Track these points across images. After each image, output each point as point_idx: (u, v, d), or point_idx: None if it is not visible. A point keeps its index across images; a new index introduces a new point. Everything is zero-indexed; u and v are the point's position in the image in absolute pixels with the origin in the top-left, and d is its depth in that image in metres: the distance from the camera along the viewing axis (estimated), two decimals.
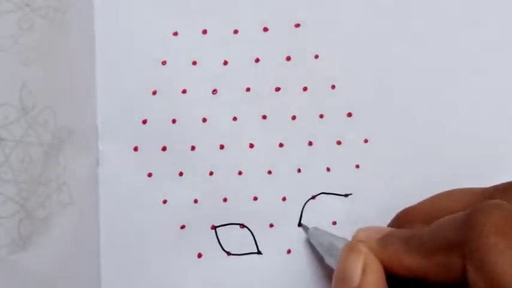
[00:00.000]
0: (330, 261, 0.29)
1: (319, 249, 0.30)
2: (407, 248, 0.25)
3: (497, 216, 0.22)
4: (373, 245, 0.26)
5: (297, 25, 0.31)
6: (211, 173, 0.31)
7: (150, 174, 0.31)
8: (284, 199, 0.32)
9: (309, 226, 0.31)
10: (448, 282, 0.24)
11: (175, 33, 0.31)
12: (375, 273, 0.25)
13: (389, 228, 0.27)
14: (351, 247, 0.27)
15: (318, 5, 0.31)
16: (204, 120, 0.31)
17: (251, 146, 0.32)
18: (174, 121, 0.31)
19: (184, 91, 0.31)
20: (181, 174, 0.31)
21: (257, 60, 0.31)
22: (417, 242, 0.25)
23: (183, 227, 0.31)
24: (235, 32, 0.31)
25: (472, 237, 0.22)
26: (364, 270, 0.25)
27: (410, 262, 0.24)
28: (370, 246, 0.26)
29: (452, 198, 0.28)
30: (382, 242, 0.26)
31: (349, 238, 0.27)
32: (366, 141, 0.32)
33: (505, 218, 0.22)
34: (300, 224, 0.32)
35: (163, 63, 0.31)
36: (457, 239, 0.22)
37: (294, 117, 0.32)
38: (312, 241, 0.31)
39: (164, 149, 0.31)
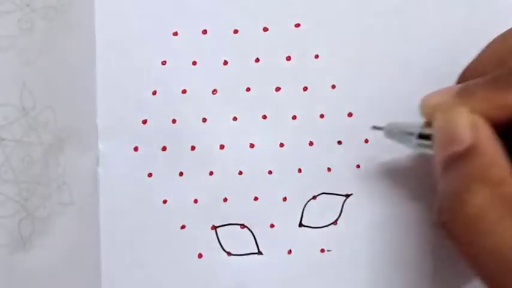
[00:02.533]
0: (417, 143, 0.27)
1: (400, 140, 0.29)
2: (500, 85, 0.23)
3: None
4: (455, 102, 0.24)
5: (297, 25, 0.31)
6: (211, 173, 0.31)
7: (150, 174, 0.31)
8: (285, 199, 0.32)
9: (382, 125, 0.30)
10: None
11: (175, 33, 0.31)
12: (485, 126, 0.23)
13: (460, 84, 0.25)
14: (448, 113, 0.24)
15: (318, 5, 0.31)
16: (204, 120, 0.31)
17: (251, 146, 0.32)
18: (174, 121, 0.31)
19: (184, 91, 0.31)
20: (181, 174, 0.31)
21: (257, 60, 0.31)
22: (508, 77, 0.23)
23: (183, 227, 0.31)
24: (235, 32, 0.31)
25: None
26: (472, 128, 0.23)
27: (507, 100, 0.23)
28: (451, 105, 0.24)
29: (508, 40, 0.26)
30: (464, 95, 0.24)
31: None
32: (366, 141, 0.32)
33: None
34: (300, 224, 0.32)
35: (163, 63, 0.31)
36: None
37: (294, 117, 0.32)
38: (389, 137, 0.29)
39: (164, 149, 0.31)
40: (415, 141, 0.27)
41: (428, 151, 0.26)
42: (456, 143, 0.24)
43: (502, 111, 0.23)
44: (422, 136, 0.27)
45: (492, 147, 0.23)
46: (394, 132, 0.29)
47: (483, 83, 0.24)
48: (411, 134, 0.27)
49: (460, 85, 0.25)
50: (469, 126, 0.24)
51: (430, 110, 0.26)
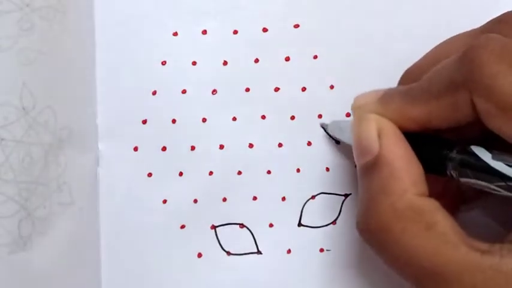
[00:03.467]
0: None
1: (340, 138, 0.30)
2: (410, 99, 0.24)
3: (493, 46, 0.22)
4: (374, 107, 0.25)
5: (297, 25, 0.32)
6: (211, 173, 0.31)
7: (150, 174, 0.31)
8: (284, 199, 0.32)
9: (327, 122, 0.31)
10: (454, 124, 0.24)
11: (175, 34, 0.31)
12: (392, 133, 0.25)
13: (387, 88, 0.26)
14: (358, 118, 0.26)
15: (318, 5, 0.32)
16: (204, 120, 0.31)
17: (251, 146, 0.32)
18: (174, 121, 0.31)
19: (184, 91, 0.31)
20: (181, 174, 0.31)
21: (257, 61, 0.31)
22: (419, 91, 0.24)
23: (183, 227, 0.31)
24: (235, 32, 0.31)
25: (474, 70, 0.22)
26: (379, 135, 0.25)
27: (416, 112, 0.24)
28: (371, 109, 0.25)
29: (450, 45, 0.27)
30: (383, 101, 0.25)
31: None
32: None
33: (501, 47, 0.22)
34: (300, 224, 0.32)
35: (163, 63, 0.31)
36: (460, 75, 0.23)
37: (293, 117, 0.32)
38: (332, 133, 0.31)
39: (164, 149, 0.31)
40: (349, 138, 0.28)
41: None
42: (365, 153, 0.25)
43: (411, 124, 0.25)
44: None
45: (397, 156, 0.24)
46: (335, 129, 0.30)
47: (399, 93, 0.25)
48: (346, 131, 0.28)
49: (384, 90, 0.26)
50: (375, 135, 0.25)
51: (355, 111, 0.27)
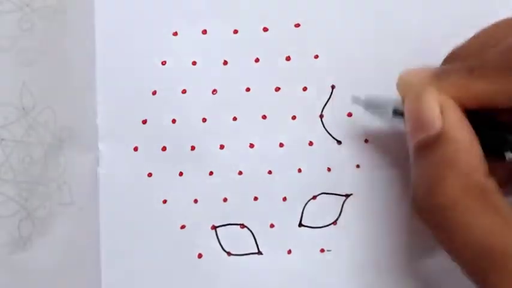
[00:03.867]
0: (392, 119, 0.27)
1: (377, 114, 0.29)
2: (474, 75, 0.24)
3: None
4: (430, 82, 0.24)
5: (297, 25, 0.31)
6: (211, 173, 0.31)
7: (150, 174, 0.31)
8: (284, 199, 0.32)
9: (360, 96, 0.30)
10: None
11: (175, 33, 0.31)
12: (456, 110, 0.24)
13: (438, 66, 0.26)
14: (416, 93, 0.25)
15: (318, 5, 0.31)
16: (204, 120, 0.31)
17: (251, 146, 0.32)
18: (174, 121, 0.31)
19: (184, 91, 0.31)
20: (181, 174, 0.31)
21: (257, 60, 0.31)
22: (484, 67, 0.23)
23: (183, 227, 0.31)
24: (235, 32, 0.31)
25: None
26: (441, 111, 0.24)
27: (480, 88, 0.23)
28: (426, 85, 0.24)
29: (499, 28, 0.26)
30: (440, 77, 0.25)
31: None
32: (366, 141, 0.32)
33: None
34: (300, 224, 0.32)
35: (163, 63, 0.31)
36: None
37: (294, 117, 0.32)
38: (369, 110, 0.29)
39: (164, 149, 0.31)
40: (389, 117, 0.27)
41: (403, 127, 0.26)
42: (425, 128, 0.24)
43: (471, 100, 0.24)
44: (397, 112, 0.27)
45: (462, 133, 0.23)
46: (373, 105, 0.29)
47: (458, 69, 0.24)
48: (387, 109, 0.27)
49: (438, 67, 0.25)
50: (438, 110, 0.24)
51: (404, 87, 0.26)
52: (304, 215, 0.32)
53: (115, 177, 0.31)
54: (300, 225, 0.32)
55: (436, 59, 0.30)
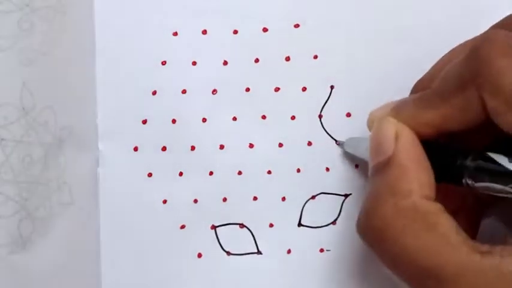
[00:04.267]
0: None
1: (355, 153, 0.30)
2: (423, 104, 0.25)
3: (499, 40, 0.22)
4: (390, 113, 0.26)
5: (297, 25, 0.31)
6: (211, 173, 0.31)
7: (150, 174, 0.31)
8: (284, 199, 0.32)
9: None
10: (467, 126, 0.24)
11: (175, 33, 0.31)
12: (408, 137, 0.25)
13: (396, 100, 0.27)
14: (380, 120, 0.26)
15: (318, 5, 0.31)
16: (204, 120, 0.31)
17: (251, 146, 0.32)
18: (174, 121, 0.31)
19: (184, 91, 0.31)
20: (181, 174, 0.31)
21: (257, 60, 0.31)
22: (430, 95, 0.25)
23: (183, 227, 0.31)
24: (235, 32, 0.31)
25: (481, 66, 0.22)
26: (396, 138, 0.25)
27: (429, 115, 0.24)
28: (387, 115, 0.26)
29: (458, 51, 0.27)
30: (397, 110, 0.26)
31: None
32: None
33: (507, 41, 0.22)
34: (300, 224, 0.32)
35: (163, 63, 0.31)
36: (469, 72, 0.23)
37: (293, 117, 0.32)
38: (347, 150, 0.31)
39: (164, 149, 0.31)
40: (366, 154, 0.28)
41: None
42: (380, 154, 0.25)
43: (425, 128, 0.25)
44: None
45: (409, 158, 0.24)
46: (351, 146, 0.31)
47: (411, 101, 0.26)
48: (363, 147, 0.29)
49: (396, 101, 0.27)
50: (393, 137, 0.25)
51: (371, 121, 0.27)
52: (303, 214, 0.32)
53: (115, 177, 0.31)
54: (300, 225, 0.32)
55: (436, 59, 0.30)
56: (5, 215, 0.27)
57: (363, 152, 0.28)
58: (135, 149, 0.31)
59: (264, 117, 0.32)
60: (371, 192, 0.25)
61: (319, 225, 0.32)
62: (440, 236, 0.23)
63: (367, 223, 0.25)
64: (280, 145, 0.32)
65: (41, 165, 0.28)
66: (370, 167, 0.26)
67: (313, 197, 0.32)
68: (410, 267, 0.23)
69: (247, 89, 0.31)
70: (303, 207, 0.32)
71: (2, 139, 0.27)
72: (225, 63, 0.31)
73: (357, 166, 0.32)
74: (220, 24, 0.31)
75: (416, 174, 0.24)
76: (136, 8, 0.30)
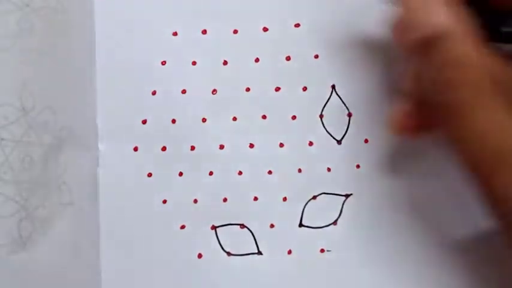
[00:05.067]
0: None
1: None
2: None
3: None
4: None
5: (297, 25, 0.31)
6: (211, 173, 0.31)
7: (150, 174, 0.31)
8: (285, 199, 0.32)
9: None
10: None
11: (175, 34, 0.31)
12: (454, 3, 0.24)
13: None
14: None
15: (318, 5, 0.31)
16: (204, 120, 0.31)
17: (251, 146, 0.32)
18: (173, 121, 0.31)
19: (184, 91, 0.31)
20: (181, 174, 0.31)
21: (257, 60, 0.31)
22: None
23: (182, 227, 0.31)
24: (235, 32, 0.31)
25: None
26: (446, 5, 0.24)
27: None
28: None
29: None
30: None
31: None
32: (366, 141, 0.32)
33: None
34: (300, 224, 0.32)
35: (163, 63, 0.31)
36: None
37: (293, 117, 0.32)
38: None
39: (164, 149, 0.31)
40: None
41: None
42: (424, 26, 0.24)
43: None
44: None
45: (460, 27, 0.23)
46: None
47: None
48: None
49: None
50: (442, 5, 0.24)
51: None
52: (304, 215, 0.32)
53: (115, 177, 0.31)
54: (300, 225, 0.32)
55: None
56: (4, 215, 0.27)
57: None
58: (135, 149, 0.31)
59: (264, 117, 0.32)
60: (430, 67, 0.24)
61: (320, 225, 0.32)
62: None
63: (438, 98, 0.24)
64: (281, 145, 0.32)
65: (40, 165, 0.28)
66: (414, 36, 0.24)
67: (314, 197, 0.32)
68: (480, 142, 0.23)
69: (248, 89, 0.31)
70: (303, 208, 0.32)
71: (2, 139, 0.27)
72: (225, 63, 0.31)
73: (358, 166, 0.32)
74: (220, 24, 0.31)
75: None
76: (136, 8, 0.30)
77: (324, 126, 0.32)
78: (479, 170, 0.23)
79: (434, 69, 0.24)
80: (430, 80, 0.24)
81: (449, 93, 0.23)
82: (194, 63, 0.31)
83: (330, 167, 0.32)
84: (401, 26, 0.25)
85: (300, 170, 0.32)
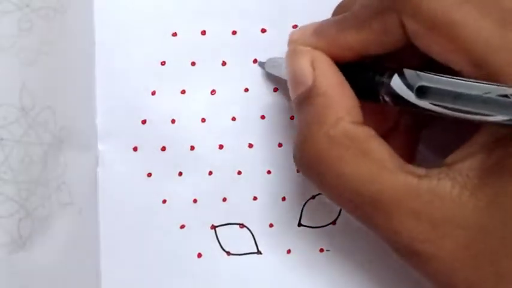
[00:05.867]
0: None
1: (277, 74, 0.30)
2: (343, 26, 0.24)
3: None
4: (309, 39, 0.25)
5: (295, 26, 0.32)
6: (210, 173, 0.31)
7: (149, 174, 0.31)
8: (284, 199, 0.32)
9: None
10: (388, 49, 0.24)
11: (175, 34, 0.31)
12: (325, 64, 0.24)
13: (322, 20, 0.26)
14: (293, 51, 0.26)
15: (317, 6, 0.32)
16: (203, 120, 0.31)
17: (250, 146, 0.32)
18: (173, 121, 0.31)
19: (183, 91, 0.31)
20: (180, 174, 0.31)
21: (255, 61, 0.32)
22: (351, 18, 0.24)
23: (182, 226, 0.31)
24: (234, 32, 0.31)
25: None
26: (313, 67, 0.25)
27: (349, 39, 0.24)
28: (306, 41, 0.25)
29: None
30: (317, 32, 0.25)
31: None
32: None
33: None
34: (300, 224, 0.32)
35: (163, 63, 0.31)
36: None
37: (292, 117, 0.32)
38: (269, 71, 0.31)
39: (164, 149, 0.31)
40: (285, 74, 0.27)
41: None
42: (301, 84, 0.25)
43: (345, 52, 0.25)
44: None
45: (330, 86, 0.24)
46: (271, 67, 0.30)
47: (333, 23, 0.25)
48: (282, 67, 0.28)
49: (317, 23, 0.26)
50: (309, 65, 0.25)
51: (290, 44, 0.27)
52: (303, 214, 0.32)
53: (115, 177, 0.31)
54: (299, 225, 0.32)
55: None
56: (4, 214, 0.27)
57: (284, 72, 0.28)
58: (135, 149, 0.31)
59: (263, 117, 0.32)
60: (300, 124, 0.25)
61: (319, 225, 0.32)
62: (375, 162, 0.22)
63: (301, 156, 0.24)
64: (280, 145, 0.32)
65: (40, 165, 0.28)
66: (292, 99, 0.26)
67: (313, 197, 0.32)
68: (347, 195, 0.23)
69: (246, 89, 0.32)
70: (303, 207, 0.32)
71: (2, 139, 0.27)
72: (224, 63, 0.31)
73: None
74: (219, 25, 0.31)
75: (340, 100, 0.24)
76: (135, 9, 0.30)
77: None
78: (359, 220, 0.24)
79: (303, 122, 0.25)
80: (299, 133, 0.25)
81: (307, 150, 0.24)
82: (193, 63, 0.31)
83: None
84: (288, 83, 0.26)
85: (299, 170, 0.32)
